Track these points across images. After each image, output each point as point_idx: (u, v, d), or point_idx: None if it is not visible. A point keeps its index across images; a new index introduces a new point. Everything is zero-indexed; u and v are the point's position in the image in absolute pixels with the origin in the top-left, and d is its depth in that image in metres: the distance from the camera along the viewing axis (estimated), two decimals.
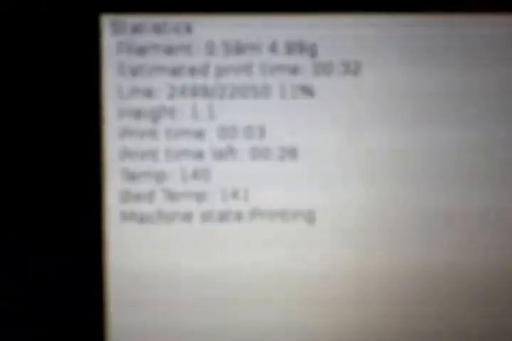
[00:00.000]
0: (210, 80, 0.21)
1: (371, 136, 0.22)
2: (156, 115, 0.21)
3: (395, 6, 0.21)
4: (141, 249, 0.22)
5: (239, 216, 0.22)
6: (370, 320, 0.22)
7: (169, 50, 0.21)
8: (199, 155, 0.22)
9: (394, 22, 0.21)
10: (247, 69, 0.21)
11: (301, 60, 0.21)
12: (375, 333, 0.22)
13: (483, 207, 0.22)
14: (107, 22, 0.21)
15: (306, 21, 0.21)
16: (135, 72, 0.21)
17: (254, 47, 0.21)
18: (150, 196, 0.22)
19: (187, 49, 0.21)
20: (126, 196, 0.22)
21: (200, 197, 0.22)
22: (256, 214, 0.22)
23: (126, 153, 0.21)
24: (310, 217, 0.22)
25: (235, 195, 0.22)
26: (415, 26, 0.22)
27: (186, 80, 0.21)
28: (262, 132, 0.22)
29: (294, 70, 0.21)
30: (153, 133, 0.21)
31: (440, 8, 0.21)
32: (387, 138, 0.22)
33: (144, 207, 0.22)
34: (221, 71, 0.21)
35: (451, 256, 0.22)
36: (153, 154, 0.21)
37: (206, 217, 0.22)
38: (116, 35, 0.21)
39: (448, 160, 0.22)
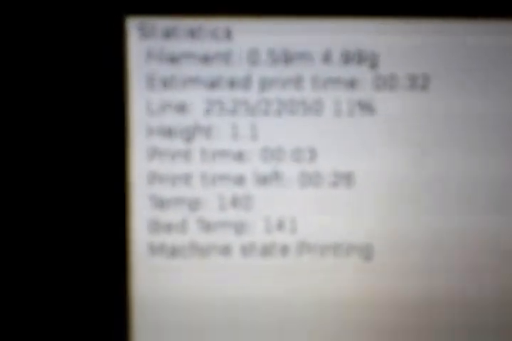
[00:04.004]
0: (253, 94, 0.18)
1: (439, 160, 0.18)
2: (190, 134, 0.18)
3: (467, 11, 0.18)
4: (171, 283, 0.19)
5: (285, 250, 0.19)
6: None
7: (206, 59, 0.18)
8: (239, 180, 0.19)
9: (467, 29, 0.18)
10: (296, 82, 0.18)
11: (360, 72, 0.18)
12: None
13: None
14: (134, 25, 0.18)
15: (366, 27, 0.18)
16: (166, 84, 0.18)
17: (305, 57, 0.18)
18: (182, 226, 0.19)
19: (226, 58, 0.18)
20: (155, 226, 0.19)
21: (240, 227, 0.19)
22: (304, 247, 0.19)
23: (155, 177, 0.19)
24: (367, 252, 0.19)
25: (280, 225, 0.19)
26: (490, 34, 0.18)
27: (225, 94, 0.18)
28: (313, 155, 0.19)
29: (351, 84, 0.18)
30: (186, 155, 0.19)
31: None
32: (458, 162, 0.18)
33: (175, 239, 0.19)
34: (266, 84, 0.18)
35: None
36: (186, 178, 0.19)
37: (247, 250, 0.19)
38: (145, 41, 0.18)
39: None
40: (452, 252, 0.19)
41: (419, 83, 0.18)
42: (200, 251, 0.19)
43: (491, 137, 0.18)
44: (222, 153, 0.19)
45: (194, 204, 0.19)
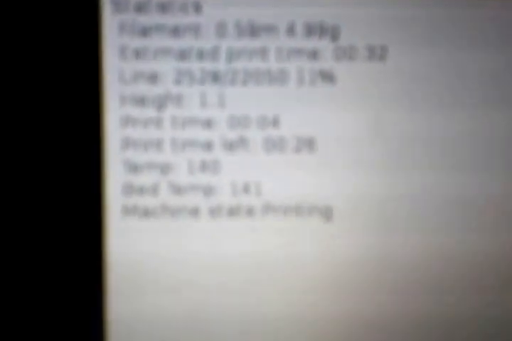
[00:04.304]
0: (221, 65, 0.19)
1: (396, 124, 0.20)
2: (161, 102, 0.20)
3: None
4: (143, 243, 0.20)
5: (250, 211, 0.20)
6: (402, 310, 0.21)
7: (176, 32, 0.19)
8: (208, 146, 0.20)
9: (425, 1, 0.19)
10: (262, 53, 0.19)
11: (321, 43, 0.19)
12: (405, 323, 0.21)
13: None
14: (108, 0, 0.19)
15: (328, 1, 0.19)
16: (138, 55, 0.19)
17: (270, 29, 0.19)
18: (154, 189, 0.20)
19: (196, 30, 0.19)
20: (128, 189, 0.20)
21: (208, 191, 0.20)
22: (269, 209, 0.20)
23: (128, 143, 0.20)
24: (327, 213, 0.20)
25: (246, 188, 0.20)
26: (446, 6, 0.19)
27: (194, 65, 0.19)
28: (277, 122, 0.20)
29: (314, 54, 0.19)
30: (157, 122, 0.20)
31: None
32: (413, 126, 0.20)
33: (147, 201, 0.20)
34: (233, 55, 0.19)
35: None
36: (157, 144, 0.20)
37: (214, 212, 0.20)
38: (118, 15, 0.19)
39: (473, 148, 0.20)
40: (412, 212, 0.20)
41: (377, 54, 0.19)
42: (171, 212, 0.20)
43: (448, 101, 0.20)
44: (191, 121, 0.20)
45: (165, 169, 0.20)
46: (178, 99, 0.20)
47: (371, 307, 0.21)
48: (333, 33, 0.19)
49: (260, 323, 0.21)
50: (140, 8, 0.19)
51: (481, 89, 0.20)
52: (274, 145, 0.20)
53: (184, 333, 0.21)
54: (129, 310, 0.21)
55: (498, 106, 0.20)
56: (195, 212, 0.20)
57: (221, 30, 0.19)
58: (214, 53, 0.19)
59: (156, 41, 0.19)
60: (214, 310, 0.21)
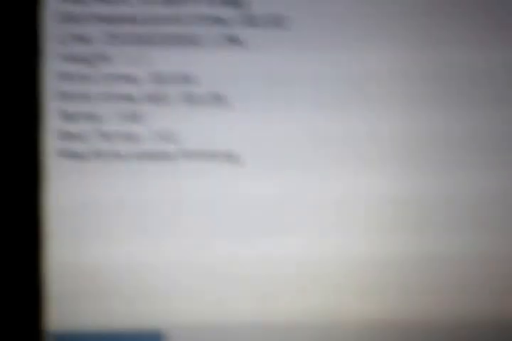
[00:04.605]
0: (145, 29, 0.23)
1: (292, 86, 0.23)
2: (92, 60, 0.23)
3: None
4: (77, 184, 0.23)
5: (168, 156, 0.23)
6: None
7: (104, 0, 0.23)
8: (132, 99, 0.23)
9: None
10: (177, 19, 0.23)
11: (230, 12, 0.23)
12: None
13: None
14: None
15: None
16: (73, 19, 0.23)
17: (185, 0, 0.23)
18: (85, 135, 0.23)
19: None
20: (64, 136, 0.23)
21: (132, 138, 0.23)
22: (185, 154, 0.23)
23: (64, 96, 0.23)
24: (235, 158, 0.23)
25: (165, 136, 0.23)
26: None
27: (122, 28, 0.23)
28: (192, 78, 0.23)
29: (224, 21, 0.23)
30: (88, 77, 0.23)
31: None
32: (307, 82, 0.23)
33: (79, 146, 0.23)
34: (154, 20, 0.23)
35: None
36: (88, 97, 0.23)
37: (138, 156, 0.23)
38: None
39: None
40: (311, 150, 0.24)
41: (277, 22, 0.23)
42: (100, 156, 0.23)
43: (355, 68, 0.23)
44: (119, 76, 0.23)
45: (95, 118, 0.23)
46: (108, 58, 0.23)
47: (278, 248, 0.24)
48: (239, 3, 0.23)
49: (189, 264, 0.24)
50: None
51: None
52: (190, 98, 0.23)
53: (120, 276, 0.24)
54: (68, 253, 0.24)
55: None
56: (120, 156, 0.24)
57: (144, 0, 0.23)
58: (136, 19, 0.23)
59: (88, 8, 0.23)
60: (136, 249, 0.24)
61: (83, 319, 0.24)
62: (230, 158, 0.23)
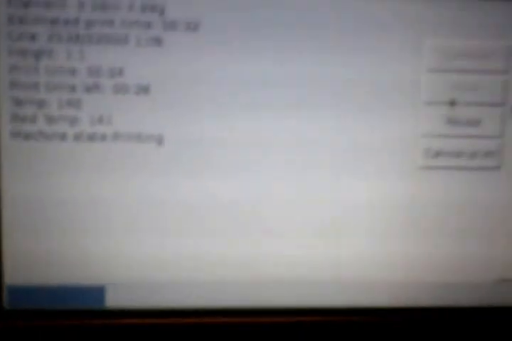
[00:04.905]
0: (81, 30, 0.28)
1: (202, 79, 0.28)
2: (38, 55, 0.28)
3: None
4: (27, 161, 0.28)
5: (103, 137, 0.28)
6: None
7: (48, 5, 0.27)
8: (72, 88, 0.28)
9: None
10: (110, 22, 0.28)
11: (153, 17, 0.28)
12: None
13: None
14: None
15: None
16: (22, 21, 0.27)
17: (116, 5, 0.27)
18: (32, 119, 0.28)
19: (63, 5, 0.27)
20: (14, 118, 0.28)
21: (73, 121, 0.28)
22: (117, 136, 0.28)
23: (14, 85, 0.28)
24: (158, 138, 0.29)
25: (100, 120, 0.28)
26: None
27: (62, 29, 0.28)
28: (121, 72, 0.28)
29: (148, 25, 0.28)
30: (35, 69, 0.28)
31: None
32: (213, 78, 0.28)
33: (29, 128, 0.28)
34: (90, 23, 0.28)
35: None
36: (35, 86, 0.28)
37: (78, 137, 0.28)
38: None
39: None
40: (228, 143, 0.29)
41: (192, 27, 0.28)
42: (45, 137, 0.28)
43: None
44: (60, 70, 0.28)
45: (41, 104, 0.28)
46: (50, 53, 0.28)
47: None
48: (160, 10, 0.28)
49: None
50: None
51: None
52: (120, 88, 0.28)
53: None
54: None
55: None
56: (63, 137, 0.28)
57: (81, 5, 0.28)
58: (76, 22, 0.28)
59: (34, 12, 0.27)
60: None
61: (35, 274, 0.29)
62: (154, 138, 0.28)
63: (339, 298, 0.30)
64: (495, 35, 0.29)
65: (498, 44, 0.29)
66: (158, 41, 0.28)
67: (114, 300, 0.29)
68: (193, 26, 0.28)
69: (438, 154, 0.29)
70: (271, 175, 0.29)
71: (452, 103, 0.29)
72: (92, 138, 0.28)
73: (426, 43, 0.29)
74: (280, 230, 0.29)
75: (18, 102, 0.28)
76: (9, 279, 0.29)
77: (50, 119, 0.28)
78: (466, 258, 0.30)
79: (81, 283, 0.29)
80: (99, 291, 0.29)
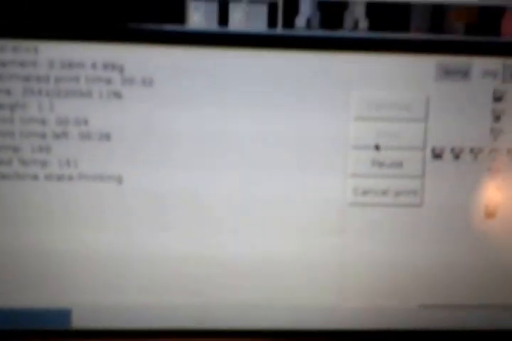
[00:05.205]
0: (51, 85, 0.32)
1: (155, 129, 0.33)
2: (13, 107, 0.32)
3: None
4: (4, 197, 0.33)
5: (70, 178, 0.33)
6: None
7: (22, 64, 0.32)
8: (43, 135, 0.32)
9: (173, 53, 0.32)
10: (76, 79, 0.32)
11: (113, 74, 0.32)
12: None
13: None
14: None
15: (116, 48, 0.32)
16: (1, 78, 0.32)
17: (81, 65, 0.32)
18: (9, 162, 0.32)
19: (34, 64, 0.32)
20: None
21: (43, 164, 0.33)
22: (82, 177, 0.33)
23: None
24: (118, 179, 0.33)
25: (67, 163, 0.33)
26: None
27: (34, 85, 0.32)
28: (86, 121, 0.32)
29: (108, 81, 0.32)
30: (11, 120, 0.32)
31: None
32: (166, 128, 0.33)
33: (4, 170, 0.32)
34: (59, 80, 0.32)
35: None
36: (11, 134, 0.32)
37: (48, 178, 0.33)
38: None
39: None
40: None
41: (147, 82, 0.32)
42: (20, 177, 0.33)
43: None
44: (32, 120, 0.32)
45: (16, 149, 0.32)
46: (24, 106, 0.32)
47: None
48: (120, 68, 0.32)
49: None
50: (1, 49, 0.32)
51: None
52: (85, 136, 0.33)
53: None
54: None
55: None
56: (35, 178, 0.33)
57: (51, 64, 0.32)
58: (46, 78, 0.32)
59: (10, 70, 0.32)
60: None
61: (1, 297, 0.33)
62: (114, 178, 0.33)
63: (275, 320, 0.34)
64: (414, 87, 0.33)
65: (417, 95, 0.33)
66: (117, 95, 0.32)
67: (79, 322, 0.33)
68: (148, 82, 0.32)
69: (366, 192, 0.33)
70: (226, 226, 0.33)
71: (377, 147, 0.33)
72: (60, 178, 0.32)
73: (353, 95, 0.33)
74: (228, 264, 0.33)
75: None
76: None
77: (24, 162, 0.32)
78: (392, 285, 0.34)
79: (47, 305, 0.33)
80: (64, 313, 0.33)
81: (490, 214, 0.34)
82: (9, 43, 0.31)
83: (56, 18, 0.31)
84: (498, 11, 0.33)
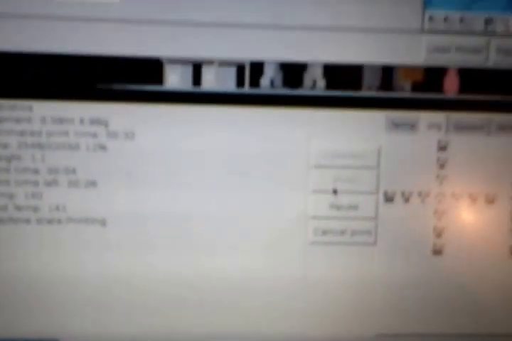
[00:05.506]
0: (43, 139, 0.36)
1: (137, 177, 0.37)
2: (9, 159, 0.36)
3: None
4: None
5: (59, 221, 0.37)
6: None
7: (18, 120, 0.36)
8: (36, 183, 0.36)
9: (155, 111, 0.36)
10: (66, 133, 0.36)
11: (99, 129, 0.36)
12: None
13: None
14: None
15: (102, 106, 0.36)
16: None
17: (71, 120, 0.36)
18: (4, 208, 0.36)
19: (28, 120, 0.36)
20: None
21: (35, 209, 0.36)
22: (70, 220, 0.37)
23: None
24: (102, 222, 0.37)
25: (57, 208, 0.37)
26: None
27: (28, 138, 0.36)
28: (74, 170, 0.36)
29: (95, 135, 0.36)
30: (7, 170, 0.36)
31: None
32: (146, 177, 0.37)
33: (0, 215, 0.36)
34: (50, 134, 0.36)
35: None
36: (7, 182, 0.36)
37: (39, 221, 0.37)
38: None
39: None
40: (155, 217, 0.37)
41: (129, 136, 0.36)
42: (14, 221, 0.37)
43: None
44: (26, 170, 0.36)
45: (11, 196, 0.36)
46: (19, 157, 0.36)
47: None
48: (105, 123, 0.36)
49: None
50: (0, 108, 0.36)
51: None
52: (73, 184, 0.37)
53: None
54: None
55: None
56: (27, 221, 0.37)
57: (43, 120, 0.36)
58: (39, 133, 0.36)
59: (7, 126, 0.36)
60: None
61: None
62: (98, 221, 0.37)
63: None
64: (367, 138, 0.37)
65: (370, 145, 0.37)
66: (102, 147, 0.36)
67: None
68: (130, 135, 0.36)
69: (325, 232, 0.37)
70: (212, 251, 0.37)
71: (335, 192, 0.37)
72: (50, 221, 0.36)
73: (313, 145, 0.37)
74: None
75: None
76: None
77: (18, 208, 0.36)
78: (350, 315, 0.38)
79: (35, 335, 0.37)
80: None
81: (437, 251, 0.38)
82: (7, 102, 0.35)
83: (48, 80, 0.35)
84: (441, 71, 0.37)
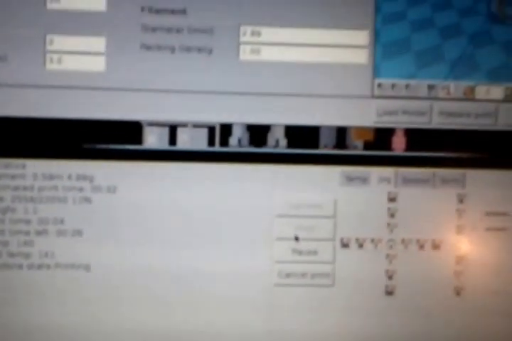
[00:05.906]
0: (35, 193, 0.41)
1: (121, 226, 0.41)
2: (4, 211, 0.40)
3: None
4: None
5: (48, 267, 0.41)
6: None
7: (13, 177, 0.40)
8: (27, 233, 0.41)
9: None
10: (55, 188, 0.41)
11: (84, 184, 0.41)
12: None
13: None
14: None
15: (88, 164, 0.41)
16: None
17: (59, 176, 0.41)
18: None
19: (22, 176, 0.40)
20: None
21: (27, 256, 0.41)
22: (58, 266, 0.41)
23: None
24: (87, 267, 0.41)
25: (46, 255, 0.41)
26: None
27: (21, 193, 0.40)
28: (63, 221, 0.41)
29: (81, 189, 0.41)
30: (2, 220, 0.40)
31: None
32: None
33: None
34: (41, 188, 0.41)
35: None
36: (2, 231, 0.41)
37: (30, 267, 0.41)
38: None
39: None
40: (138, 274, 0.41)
41: (112, 189, 0.41)
42: (8, 267, 0.41)
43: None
44: (19, 220, 0.41)
45: (5, 244, 0.41)
46: (13, 210, 0.41)
47: None
48: (90, 178, 0.41)
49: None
50: None
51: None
52: (61, 233, 0.41)
53: None
54: None
55: None
56: (20, 267, 0.41)
57: (35, 176, 0.41)
58: (31, 188, 0.41)
59: (2, 182, 0.40)
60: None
61: None
62: (83, 267, 0.41)
63: None
64: (324, 190, 0.42)
65: (327, 197, 0.42)
66: (88, 200, 0.41)
67: None
68: (112, 189, 0.41)
69: (288, 275, 0.42)
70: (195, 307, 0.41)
71: (297, 238, 0.42)
72: (40, 267, 0.40)
73: (276, 197, 0.42)
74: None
75: None
76: None
77: (11, 255, 0.40)
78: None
79: None
80: None
81: (389, 292, 0.42)
82: (2, 161, 0.40)
83: (40, 141, 0.40)
84: (390, 131, 0.42)
